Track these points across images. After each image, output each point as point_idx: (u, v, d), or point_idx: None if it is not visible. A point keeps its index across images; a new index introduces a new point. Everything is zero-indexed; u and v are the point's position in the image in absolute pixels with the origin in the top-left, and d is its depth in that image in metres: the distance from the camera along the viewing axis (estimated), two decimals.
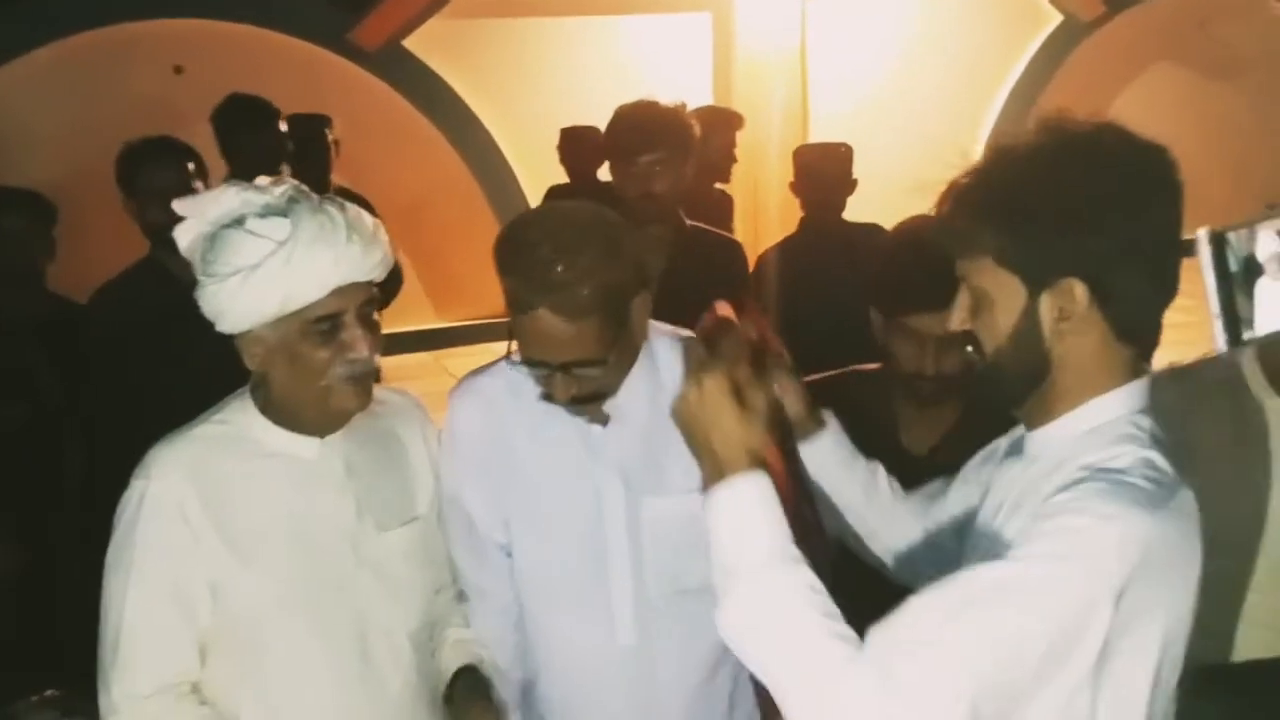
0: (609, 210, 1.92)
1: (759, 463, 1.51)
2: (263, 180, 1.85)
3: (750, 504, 1.48)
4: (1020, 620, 1.34)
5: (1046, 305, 1.47)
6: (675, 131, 3.17)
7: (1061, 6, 10.70)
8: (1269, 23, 11.77)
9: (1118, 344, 1.49)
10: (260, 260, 1.75)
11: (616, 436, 2.03)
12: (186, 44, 8.23)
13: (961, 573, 1.41)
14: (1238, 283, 1.26)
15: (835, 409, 1.95)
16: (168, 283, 3.21)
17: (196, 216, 1.83)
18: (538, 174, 7.41)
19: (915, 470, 2.00)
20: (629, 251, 1.88)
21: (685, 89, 8.67)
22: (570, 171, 5.87)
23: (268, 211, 1.78)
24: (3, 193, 3.82)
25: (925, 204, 1.61)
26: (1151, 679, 1.44)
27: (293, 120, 4.90)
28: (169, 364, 3.09)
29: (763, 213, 8.09)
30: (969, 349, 1.57)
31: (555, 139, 5.97)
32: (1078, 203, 1.46)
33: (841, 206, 4.34)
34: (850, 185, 4.37)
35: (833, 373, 2.46)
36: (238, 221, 1.78)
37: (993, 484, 1.66)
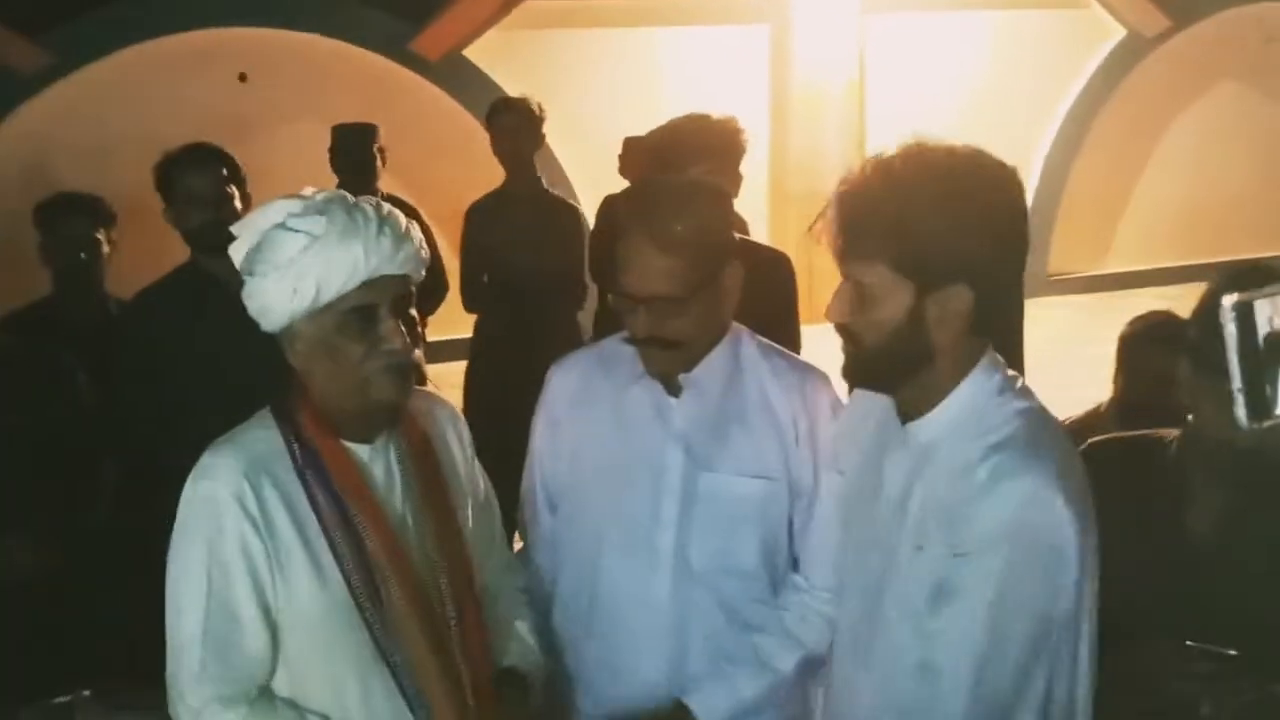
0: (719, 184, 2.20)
1: None
2: (309, 189, 1.94)
3: None
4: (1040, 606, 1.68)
5: (932, 305, 1.69)
6: (724, 143, 3.27)
7: (1125, 21, 10.61)
8: None
9: (976, 336, 1.76)
10: (297, 254, 1.83)
11: (686, 409, 2.17)
12: (251, 52, 8.38)
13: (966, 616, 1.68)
14: (1264, 356, 1.22)
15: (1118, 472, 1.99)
16: (206, 288, 3.27)
17: (249, 229, 1.90)
18: (594, 184, 7.44)
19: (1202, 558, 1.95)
20: (728, 217, 2.16)
21: (742, 101, 8.81)
22: (632, 181, 5.91)
23: (306, 211, 1.87)
24: (65, 197, 3.89)
25: None
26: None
27: (339, 130, 5.00)
28: (205, 369, 3.15)
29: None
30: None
31: (612, 149, 6.00)
32: (970, 217, 1.66)
33: None
34: None
35: (1132, 434, 2.33)
36: (280, 224, 1.86)
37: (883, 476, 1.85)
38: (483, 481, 2.20)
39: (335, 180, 4.95)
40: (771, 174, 9.31)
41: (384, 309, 1.87)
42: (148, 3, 8.01)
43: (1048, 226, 10.63)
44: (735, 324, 2.23)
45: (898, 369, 1.76)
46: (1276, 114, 11.40)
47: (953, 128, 7.26)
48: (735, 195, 3.25)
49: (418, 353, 1.97)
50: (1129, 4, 10.52)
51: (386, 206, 1.94)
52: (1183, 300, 9.85)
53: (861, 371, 1.80)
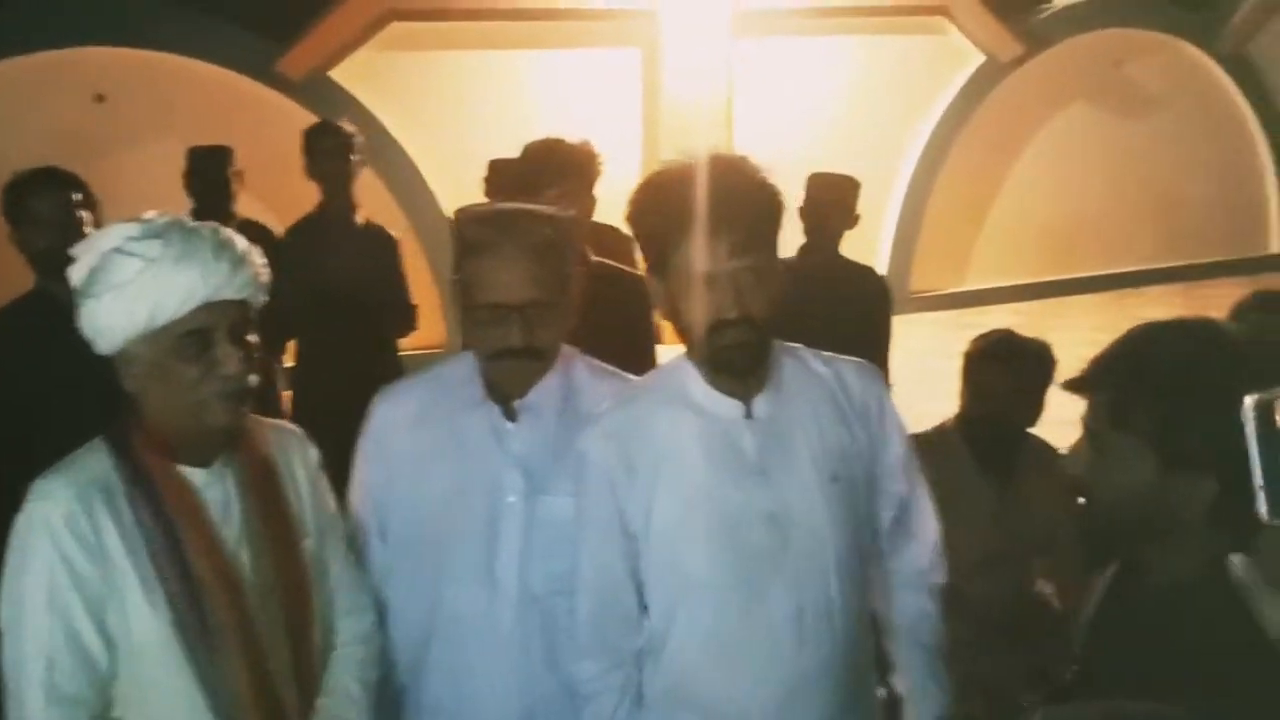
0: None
1: None
2: (150, 213, 1.93)
3: None
4: None
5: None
6: (580, 166, 3.32)
7: (982, 46, 10.95)
8: (1181, 63, 12.14)
9: None
10: (132, 277, 1.83)
11: (523, 433, 2.18)
12: (109, 73, 8.17)
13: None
14: None
15: None
16: (54, 312, 3.18)
17: (88, 252, 1.89)
18: (461, 204, 7.45)
19: None
20: (576, 232, 2.22)
21: (614, 125, 8.88)
22: (509, 200, 5.88)
23: (144, 234, 1.87)
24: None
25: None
26: None
27: (193, 153, 4.91)
28: (58, 394, 3.08)
29: None
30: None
31: (480, 171, 6.00)
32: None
33: (834, 236, 4.41)
34: (850, 219, 4.44)
35: None
36: (117, 248, 1.86)
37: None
38: (334, 511, 2.18)
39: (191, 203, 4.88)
40: None
41: (220, 333, 1.87)
42: (1, 23, 7.78)
43: (911, 246, 10.92)
44: (566, 348, 2.25)
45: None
46: (1126, 134, 11.89)
47: (819, 149, 7.51)
48: (589, 216, 3.30)
49: (254, 378, 1.93)
50: (986, 30, 10.86)
51: (225, 232, 1.93)
52: (1038, 316, 10.40)
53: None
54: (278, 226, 5.15)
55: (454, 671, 2.19)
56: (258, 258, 1.95)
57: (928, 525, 2.31)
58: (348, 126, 5.09)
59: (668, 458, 2.05)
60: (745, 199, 1.96)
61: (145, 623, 1.87)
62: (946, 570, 2.35)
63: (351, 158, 4.90)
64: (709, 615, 2.04)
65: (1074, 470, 1.70)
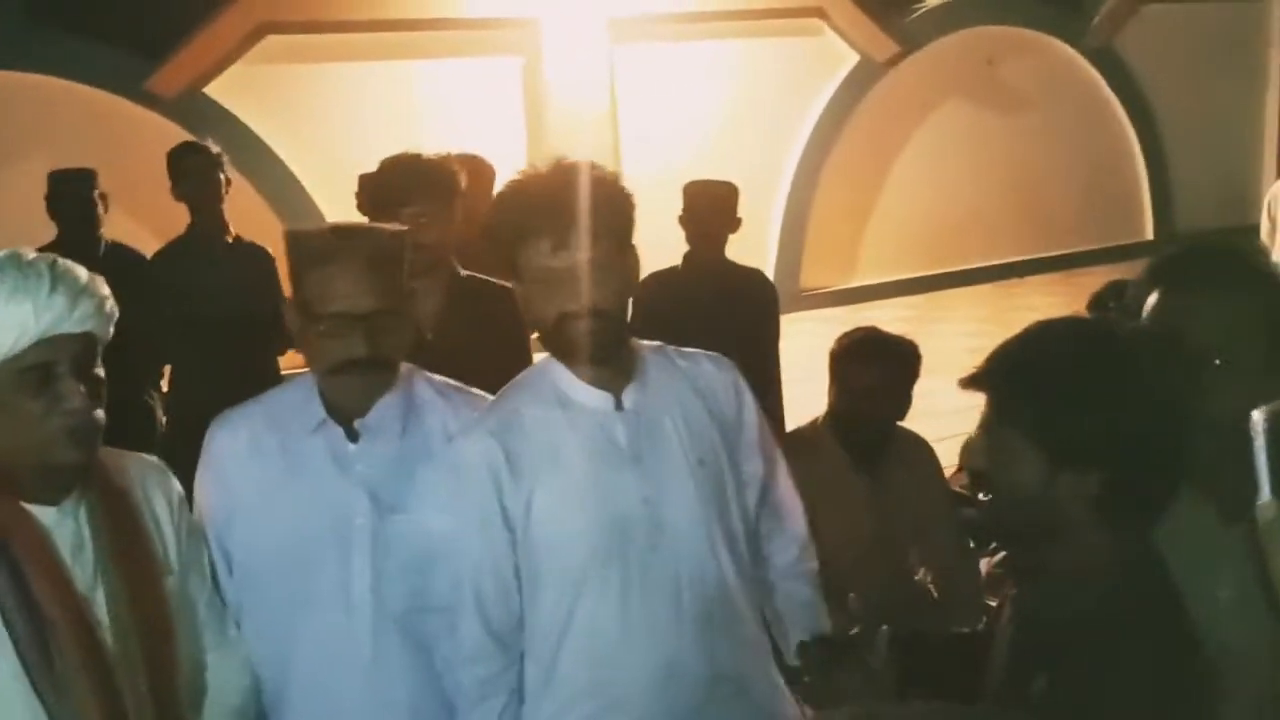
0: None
1: None
2: None
3: None
4: None
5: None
6: (438, 182, 3.24)
7: (857, 47, 11.16)
8: (1051, 59, 12.49)
9: None
10: None
11: (366, 454, 2.17)
12: None
13: None
14: None
15: None
16: None
17: None
18: (345, 217, 7.40)
19: None
20: (408, 248, 2.21)
21: (498, 134, 8.87)
22: (370, 217, 5.84)
23: None
24: None
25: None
26: None
27: (54, 176, 4.81)
28: None
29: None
30: None
31: None
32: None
33: (719, 241, 4.44)
34: (732, 223, 4.47)
35: None
36: None
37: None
38: (201, 547, 2.15)
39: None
40: None
41: (63, 367, 1.82)
42: None
43: (798, 245, 11.08)
44: (406, 365, 2.25)
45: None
46: (1000, 128, 12.20)
47: (704, 152, 7.57)
48: (454, 232, 3.29)
49: (100, 413, 1.88)
50: (859, 30, 11.08)
51: (64, 264, 1.88)
52: (925, 309, 10.57)
53: None
54: (157, 247, 5.06)
55: (315, 700, 2.17)
56: (102, 289, 1.90)
57: (793, 511, 2.38)
58: (212, 145, 5.01)
59: (546, 453, 2.09)
60: (584, 197, 2.02)
61: None
62: (816, 555, 2.42)
63: (219, 176, 4.83)
64: (595, 603, 2.09)
65: (975, 464, 1.73)
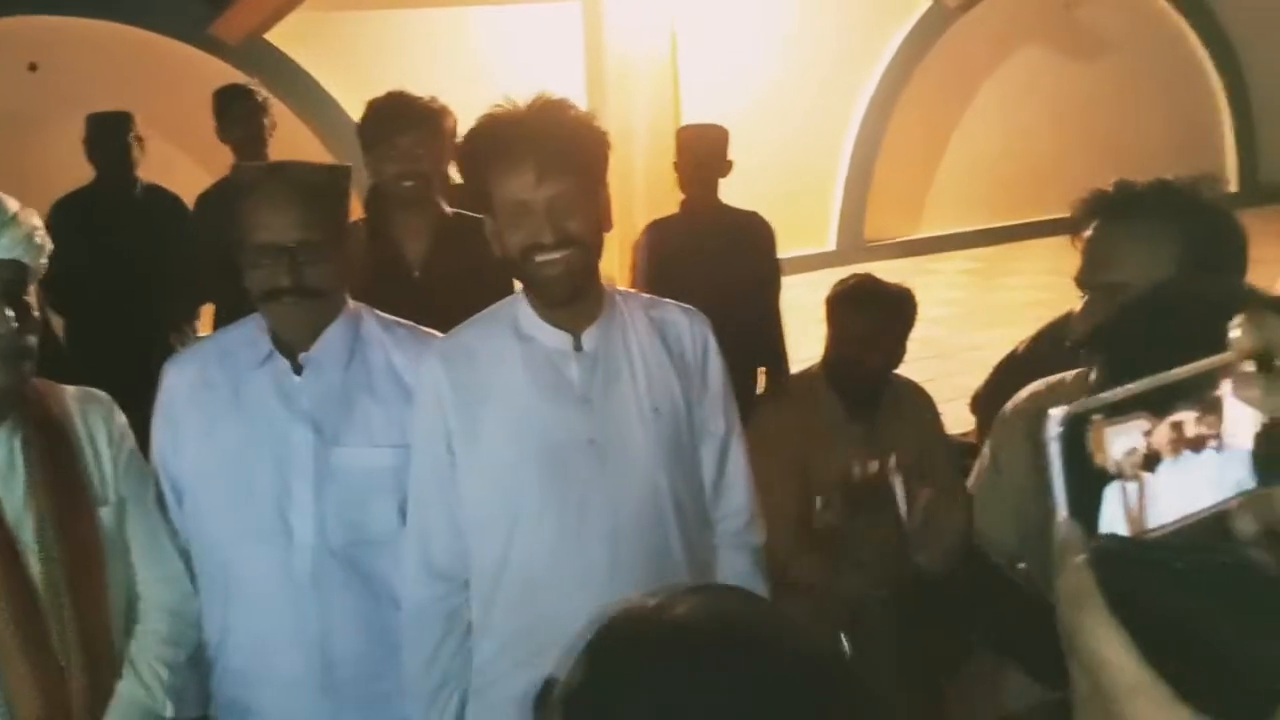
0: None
1: None
2: None
3: None
4: None
5: None
6: (424, 118, 3.33)
7: None
8: (1135, 5, 12.11)
9: None
10: None
11: (310, 387, 2.21)
12: (41, 41, 8.14)
13: None
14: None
15: None
16: None
17: None
18: None
19: None
20: (347, 190, 2.28)
21: (556, 81, 8.81)
22: (363, 155, 5.85)
23: None
24: None
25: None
26: None
27: (92, 119, 4.89)
28: None
29: (626, 216, 8.22)
30: None
31: None
32: None
33: (714, 186, 4.45)
34: (725, 166, 4.47)
35: None
36: None
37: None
38: (145, 480, 2.19)
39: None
40: None
41: None
42: None
43: (863, 194, 10.94)
44: (355, 303, 2.29)
45: None
46: (1077, 75, 11.88)
47: (764, 102, 7.50)
48: (442, 165, 3.33)
49: (31, 338, 1.94)
50: None
51: None
52: (992, 261, 10.37)
53: None
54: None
55: (253, 631, 2.21)
56: (32, 219, 1.95)
57: (743, 481, 2.33)
58: (258, 88, 5.07)
59: (495, 382, 2.12)
60: (555, 131, 2.03)
61: None
62: (763, 531, 2.38)
63: (264, 120, 4.89)
64: (535, 539, 2.10)
65: None
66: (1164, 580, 0.57)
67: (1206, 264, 1.76)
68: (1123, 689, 0.56)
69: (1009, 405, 2.15)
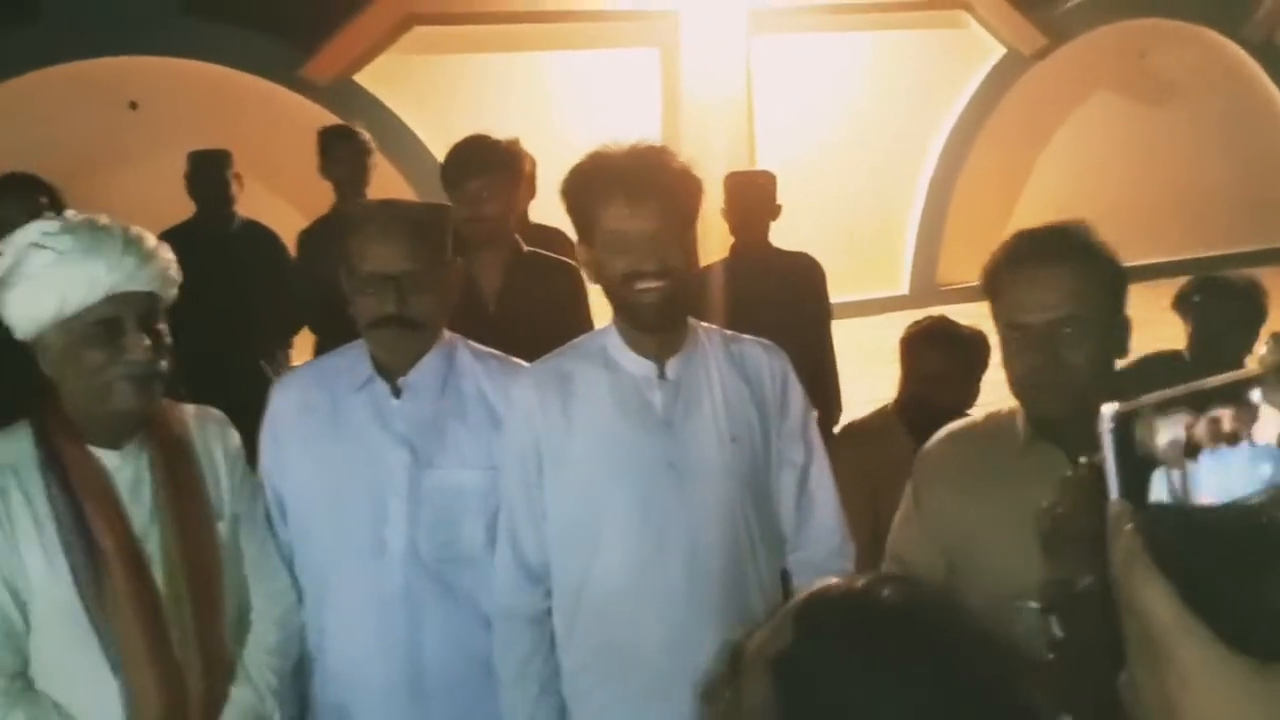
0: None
1: None
2: (70, 213, 2.12)
3: None
4: None
5: None
6: (500, 160, 3.48)
7: (1004, 40, 10.99)
8: (1204, 51, 12.09)
9: None
10: (43, 269, 2.00)
11: (406, 411, 2.35)
12: (142, 81, 8.48)
13: None
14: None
15: None
16: None
17: (10, 247, 2.06)
18: None
19: None
20: (448, 224, 2.42)
21: (634, 125, 8.96)
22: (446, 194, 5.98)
23: (58, 230, 2.04)
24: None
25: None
26: None
27: (193, 157, 5.10)
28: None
29: (707, 254, 8.34)
30: None
31: None
32: None
33: (764, 230, 4.54)
34: (773, 210, 4.56)
35: None
36: (34, 242, 2.03)
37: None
38: (256, 497, 2.33)
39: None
40: None
41: (129, 322, 2.02)
42: (38, 34, 8.10)
43: (936, 238, 10.98)
44: (450, 334, 2.43)
45: None
46: (1149, 120, 11.86)
47: (840, 145, 7.58)
48: (516, 207, 3.48)
49: (164, 364, 2.09)
50: (1007, 23, 10.91)
51: (136, 230, 2.09)
52: None
53: None
54: (303, 225, 5.28)
55: (351, 640, 2.34)
56: (166, 254, 2.11)
57: (830, 504, 2.41)
58: (363, 132, 5.25)
59: (583, 406, 2.26)
60: (662, 172, 2.18)
61: (49, 590, 2.04)
62: (854, 555, 2.45)
63: (367, 161, 5.07)
64: (612, 560, 2.22)
65: None
66: (1203, 538, 0.68)
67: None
68: (1168, 632, 0.67)
69: (928, 445, 2.23)
